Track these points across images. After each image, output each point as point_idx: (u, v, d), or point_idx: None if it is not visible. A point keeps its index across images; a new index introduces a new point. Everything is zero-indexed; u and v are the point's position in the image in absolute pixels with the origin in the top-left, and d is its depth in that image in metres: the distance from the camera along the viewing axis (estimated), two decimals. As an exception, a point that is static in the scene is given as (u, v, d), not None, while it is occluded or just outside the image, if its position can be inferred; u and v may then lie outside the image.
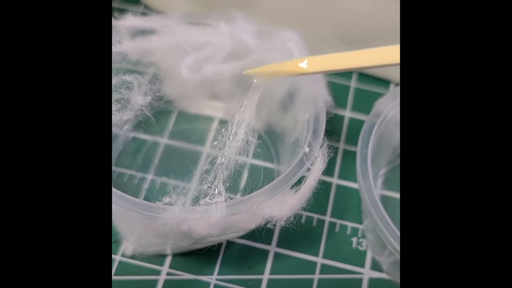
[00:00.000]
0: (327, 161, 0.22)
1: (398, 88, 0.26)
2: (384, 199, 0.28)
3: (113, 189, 0.22)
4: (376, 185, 0.28)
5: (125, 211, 0.22)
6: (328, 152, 0.22)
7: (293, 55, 0.24)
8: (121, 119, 0.24)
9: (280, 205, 0.21)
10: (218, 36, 0.25)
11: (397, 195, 0.28)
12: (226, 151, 0.22)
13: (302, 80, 0.25)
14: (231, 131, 0.23)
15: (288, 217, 0.22)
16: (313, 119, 0.24)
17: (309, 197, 0.22)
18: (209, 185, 0.22)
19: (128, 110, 0.25)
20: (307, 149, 0.23)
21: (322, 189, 0.23)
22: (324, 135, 0.23)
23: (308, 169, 0.22)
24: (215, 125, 0.30)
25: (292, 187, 0.22)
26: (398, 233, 0.21)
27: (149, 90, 0.25)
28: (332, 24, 0.31)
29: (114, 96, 0.25)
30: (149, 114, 0.25)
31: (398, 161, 0.28)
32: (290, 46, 0.24)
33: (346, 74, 0.33)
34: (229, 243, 0.26)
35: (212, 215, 0.20)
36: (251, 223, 0.22)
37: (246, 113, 0.23)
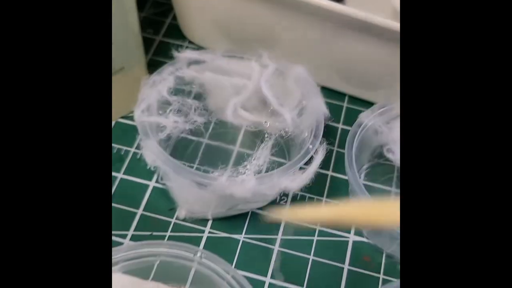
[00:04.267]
0: (325, 153, 0.33)
1: (377, 105, 0.36)
2: (366, 187, 0.38)
3: (178, 163, 0.32)
4: (360, 177, 0.39)
5: (181, 185, 0.32)
6: (326, 147, 0.33)
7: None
8: (184, 128, 0.35)
9: (292, 180, 0.32)
10: (250, 70, 0.37)
11: (375, 185, 0.38)
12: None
13: (308, 97, 0.36)
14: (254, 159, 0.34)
15: (296, 190, 0.32)
16: (315, 125, 0.35)
17: (312, 177, 0.32)
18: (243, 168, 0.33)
19: (189, 123, 0.36)
20: (310, 146, 0.33)
21: (321, 178, 0.33)
22: (323, 136, 0.34)
23: (312, 158, 0.33)
24: (243, 130, 0.40)
25: (300, 169, 0.32)
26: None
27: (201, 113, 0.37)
28: (334, 62, 0.41)
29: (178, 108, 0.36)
30: (201, 126, 0.36)
31: (376, 160, 0.39)
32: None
33: (340, 96, 0.43)
34: (253, 213, 0.36)
35: (247, 183, 0.31)
36: (272, 192, 0.32)
37: (263, 154, 0.34)
